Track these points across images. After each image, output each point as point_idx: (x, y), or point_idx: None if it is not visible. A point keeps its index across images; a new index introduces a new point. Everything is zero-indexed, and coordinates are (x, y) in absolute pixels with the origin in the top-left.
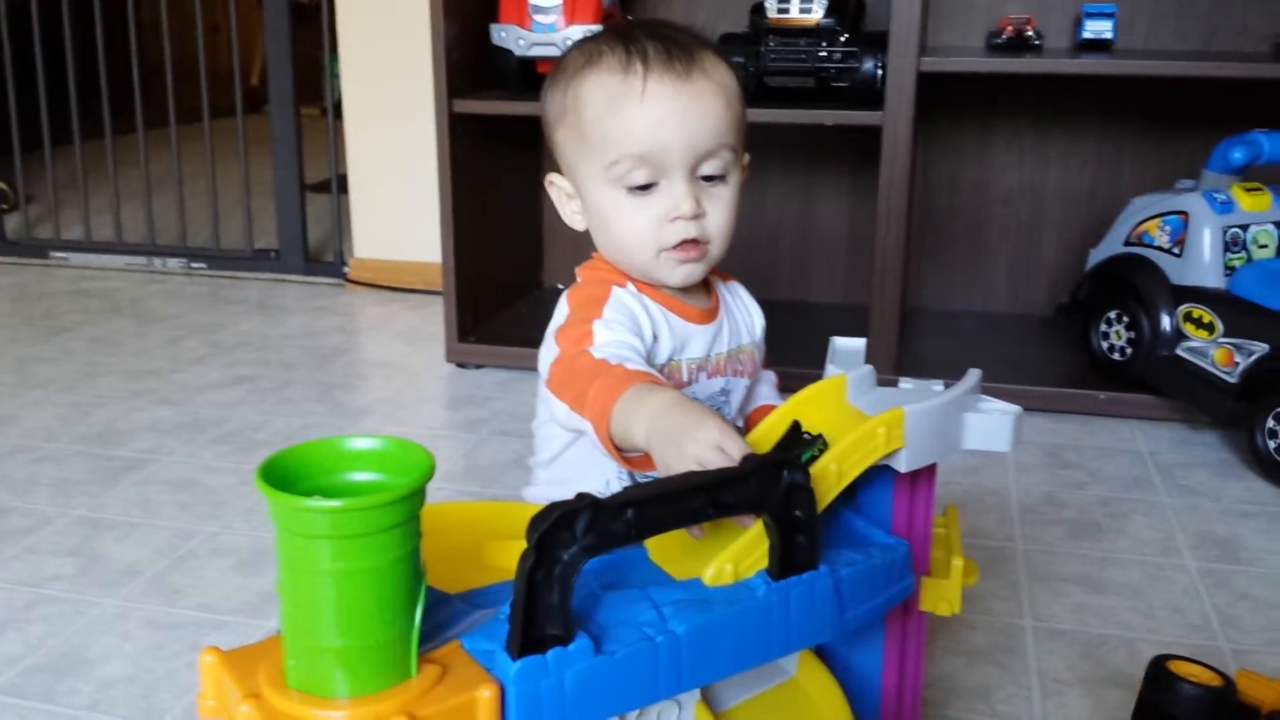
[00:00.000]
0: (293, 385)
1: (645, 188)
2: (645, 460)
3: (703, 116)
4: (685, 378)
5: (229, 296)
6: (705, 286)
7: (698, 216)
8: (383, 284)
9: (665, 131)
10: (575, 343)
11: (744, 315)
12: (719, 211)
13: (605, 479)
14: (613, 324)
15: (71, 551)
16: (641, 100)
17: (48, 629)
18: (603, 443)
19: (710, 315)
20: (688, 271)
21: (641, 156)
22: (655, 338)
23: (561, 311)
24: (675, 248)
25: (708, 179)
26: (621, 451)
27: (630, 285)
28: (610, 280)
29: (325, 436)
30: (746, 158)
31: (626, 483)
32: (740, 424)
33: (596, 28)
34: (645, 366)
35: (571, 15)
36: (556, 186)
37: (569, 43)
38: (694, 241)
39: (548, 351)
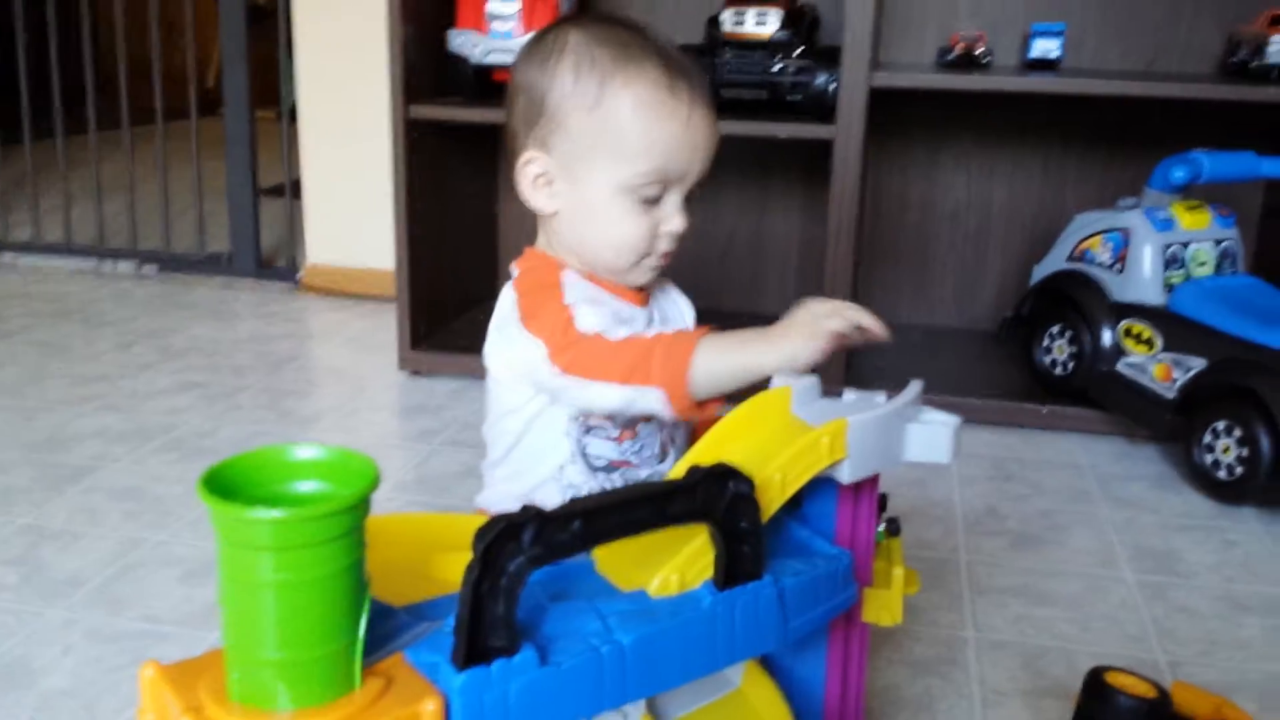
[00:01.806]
0: (243, 392)
1: (656, 199)
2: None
3: (715, 147)
4: None
5: (180, 300)
6: None
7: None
8: (336, 290)
9: (696, 157)
10: (563, 330)
11: (673, 307)
12: (689, 220)
13: (559, 464)
14: (584, 304)
15: (14, 561)
16: (687, 125)
17: None
18: (674, 401)
19: (645, 299)
20: (653, 276)
21: (666, 175)
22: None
23: (509, 302)
24: (659, 257)
25: (688, 195)
26: (698, 403)
27: (569, 271)
28: (553, 266)
29: (273, 444)
30: None
31: (579, 467)
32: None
33: None
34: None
35: (529, 22)
36: (533, 165)
37: None
38: (672, 252)
39: (520, 348)
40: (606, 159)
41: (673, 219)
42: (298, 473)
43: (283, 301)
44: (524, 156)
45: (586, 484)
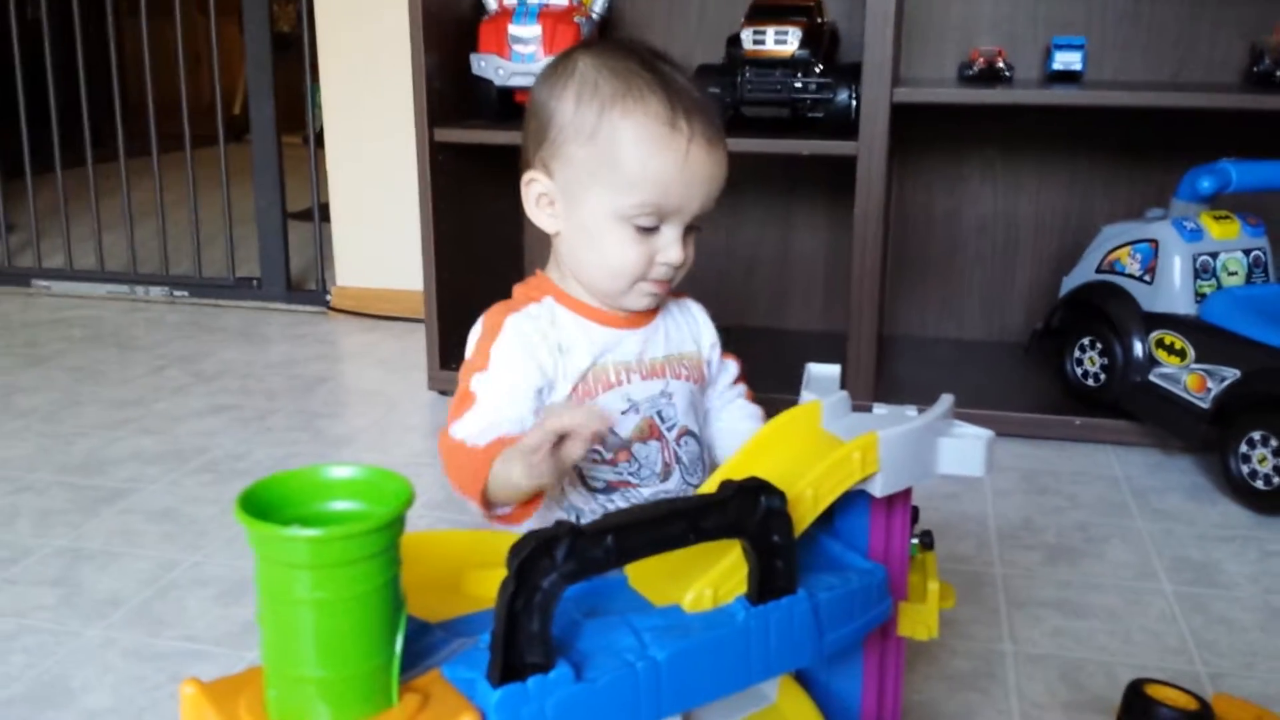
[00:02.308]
0: (275, 414)
1: (653, 229)
2: (515, 515)
3: (718, 183)
4: (613, 379)
5: (211, 325)
6: None
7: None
8: (365, 312)
9: (693, 192)
10: (460, 401)
11: (690, 327)
12: (690, 254)
13: (560, 486)
14: (495, 374)
15: (53, 582)
16: (685, 160)
17: (29, 660)
18: (486, 514)
19: (642, 320)
20: (651, 302)
21: (662, 207)
22: (562, 349)
23: (472, 336)
24: (653, 282)
25: (689, 227)
26: (497, 511)
27: (547, 299)
28: (521, 302)
29: (308, 465)
30: None
31: (578, 490)
32: (692, 428)
33: None
34: (506, 428)
35: (550, 46)
36: (536, 185)
37: None
38: (669, 280)
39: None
40: (603, 187)
41: (669, 250)
42: (333, 492)
43: (313, 324)
44: (527, 176)
45: (588, 506)
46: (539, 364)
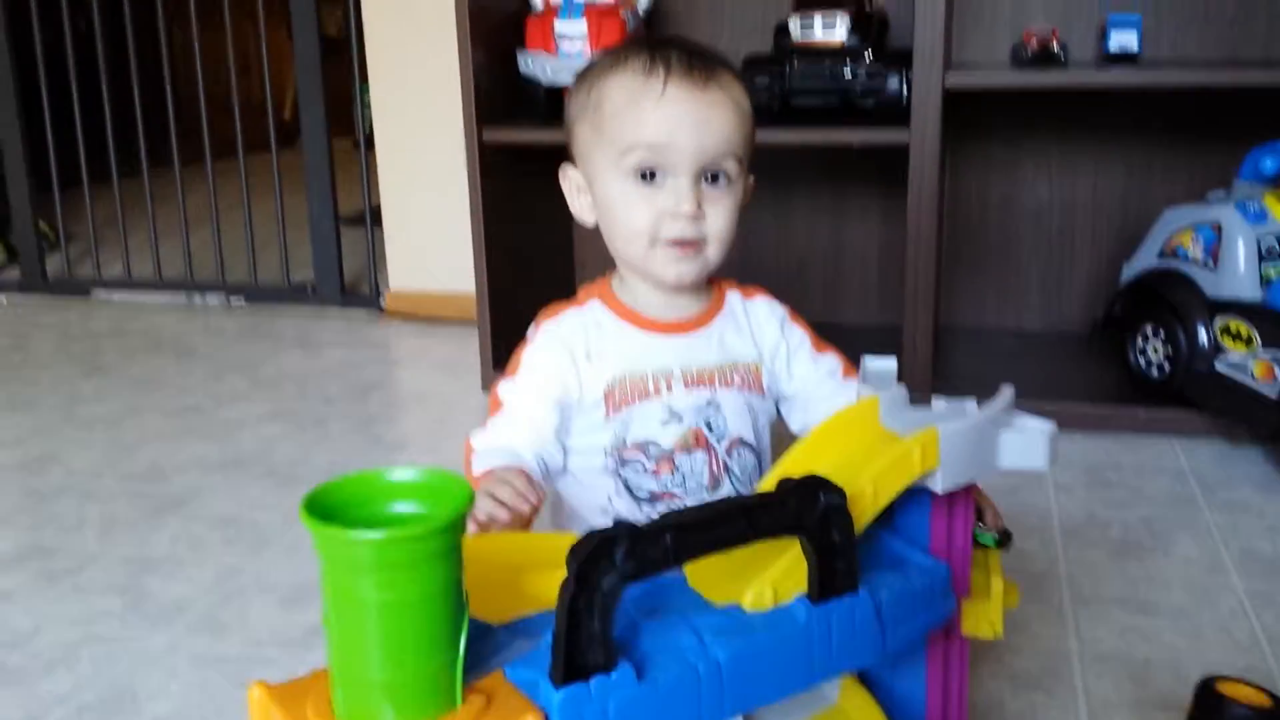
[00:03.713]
0: (332, 419)
1: (651, 177)
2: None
3: (714, 123)
4: (651, 388)
5: (267, 331)
6: (705, 296)
7: (696, 217)
8: (418, 315)
9: (678, 129)
10: (490, 407)
11: (755, 330)
12: (718, 215)
13: (606, 496)
14: (522, 381)
15: (118, 589)
16: (660, 99)
17: (96, 667)
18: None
19: (690, 326)
20: (681, 270)
21: (652, 147)
22: (590, 356)
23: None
24: (672, 244)
25: (712, 183)
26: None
27: (592, 303)
28: (563, 307)
29: (366, 469)
30: (751, 179)
31: (624, 500)
32: (747, 438)
33: None
34: (517, 455)
35: (597, 41)
36: (569, 179)
37: None
38: (691, 243)
39: None
40: (601, 149)
41: (677, 200)
42: (395, 494)
43: (367, 328)
44: (561, 172)
45: (632, 516)
46: (560, 378)
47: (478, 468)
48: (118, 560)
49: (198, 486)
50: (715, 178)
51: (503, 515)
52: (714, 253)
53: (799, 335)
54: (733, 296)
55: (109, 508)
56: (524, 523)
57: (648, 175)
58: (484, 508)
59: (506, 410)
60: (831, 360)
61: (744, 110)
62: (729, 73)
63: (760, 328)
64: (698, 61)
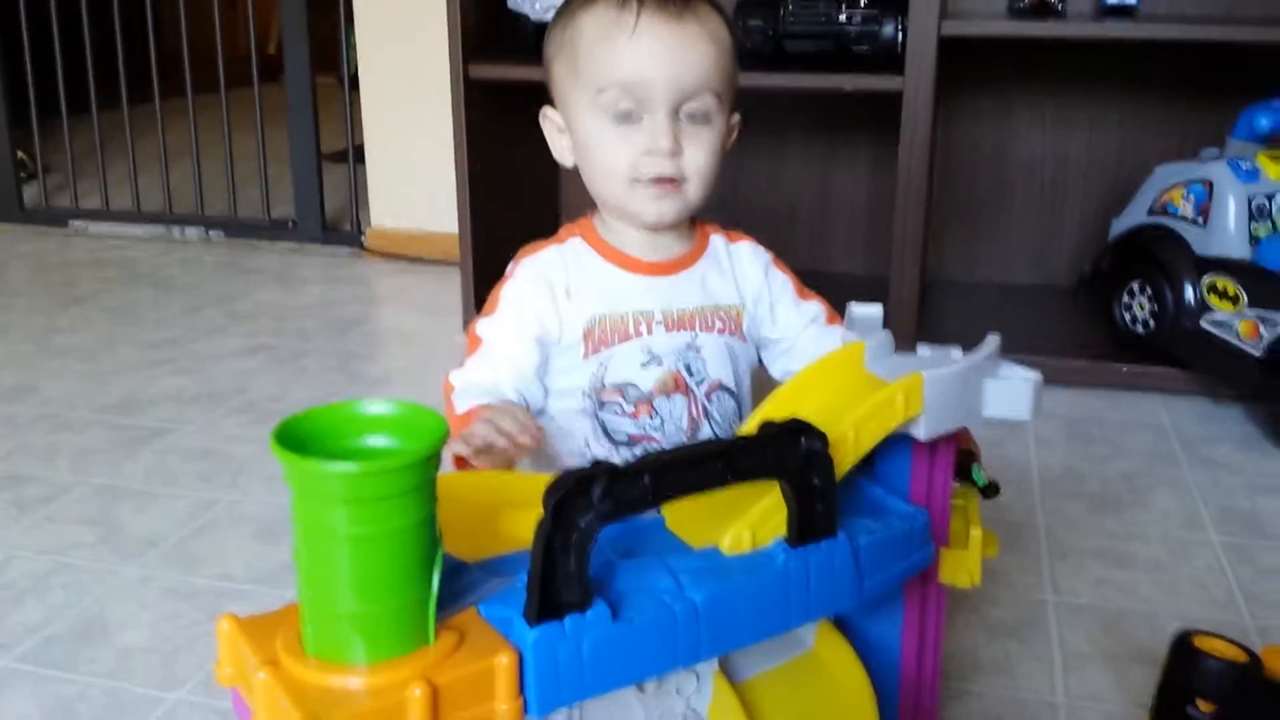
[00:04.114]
0: (311, 355)
1: (628, 116)
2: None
3: (690, 57)
4: (631, 330)
5: (247, 266)
6: (688, 238)
7: (675, 154)
8: (400, 254)
9: (652, 65)
10: (469, 344)
11: (737, 274)
12: (697, 151)
13: (584, 439)
14: (501, 318)
15: (91, 520)
16: (633, 33)
17: (68, 597)
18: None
19: (672, 268)
20: (661, 209)
21: (626, 85)
22: (570, 294)
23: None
24: (651, 182)
25: (691, 120)
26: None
27: (573, 240)
28: (544, 244)
29: (344, 400)
30: (736, 118)
31: (602, 443)
32: (727, 383)
33: None
34: (500, 393)
35: None
36: (549, 120)
37: None
38: (670, 180)
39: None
40: (577, 89)
41: (654, 138)
42: (368, 427)
43: (348, 266)
44: (542, 114)
45: (610, 459)
46: (538, 315)
47: (460, 405)
48: (90, 491)
49: (173, 419)
50: (694, 114)
51: (501, 443)
52: (694, 191)
53: (782, 280)
54: (716, 239)
55: (82, 438)
56: (509, 462)
57: (624, 115)
58: (482, 433)
59: (486, 348)
60: (815, 307)
61: (723, 43)
62: (707, 5)
63: (744, 272)
64: (685, 3)
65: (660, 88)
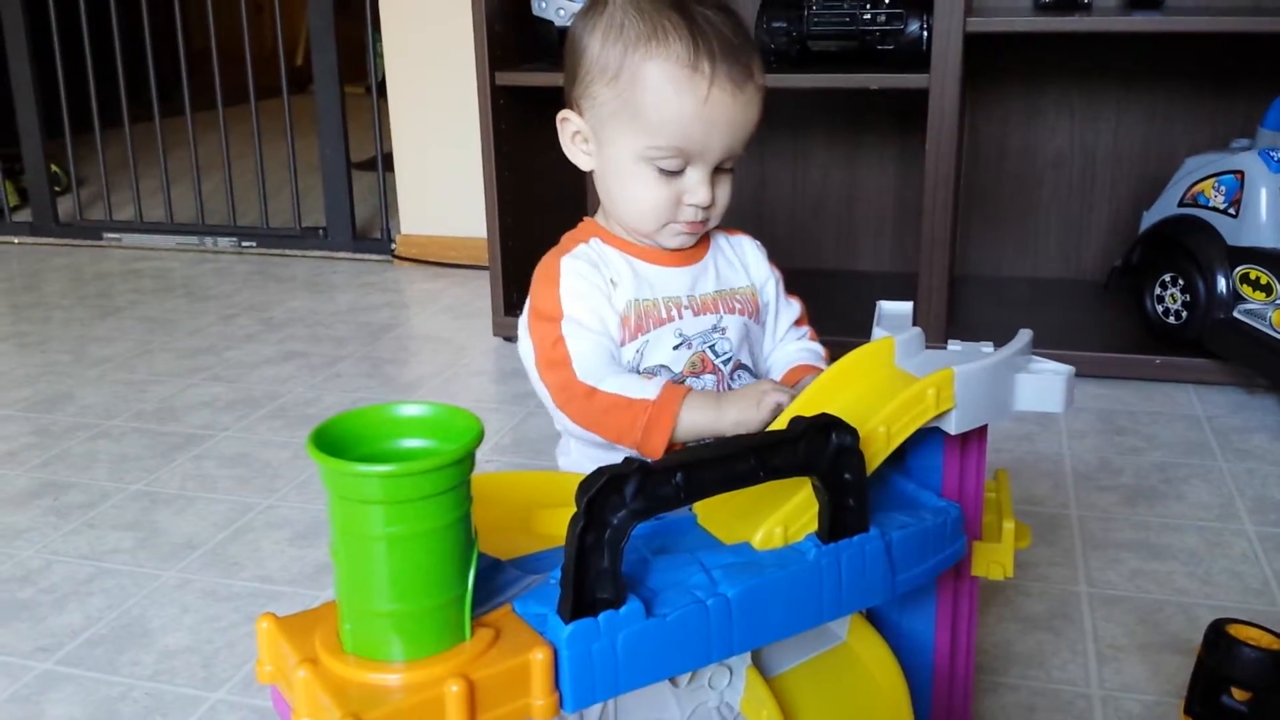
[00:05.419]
0: (343, 361)
1: (673, 169)
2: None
3: (745, 125)
4: (664, 315)
5: (279, 274)
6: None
7: (710, 205)
8: (430, 260)
9: (714, 135)
10: (552, 346)
11: (743, 262)
12: (723, 193)
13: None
14: (577, 319)
15: (131, 526)
16: (705, 104)
17: (109, 601)
18: (647, 456)
19: (690, 258)
20: (683, 242)
21: (684, 150)
22: (614, 283)
23: (533, 288)
24: (684, 223)
25: (721, 168)
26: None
27: (593, 240)
28: (568, 246)
29: (379, 403)
30: None
31: None
32: (745, 361)
33: None
34: (619, 354)
35: None
36: (569, 124)
37: None
38: (701, 222)
39: (523, 344)
40: (626, 128)
41: (695, 192)
42: (403, 429)
43: (378, 272)
44: (561, 114)
45: None
46: (599, 309)
47: (640, 391)
48: (129, 497)
49: (209, 426)
50: (725, 164)
51: (785, 400)
52: (714, 223)
53: (777, 275)
54: (717, 234)
55: (120, 446)
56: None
57: (670, 168)
58: (776, 398)
59: (592, 350)
60: (797, 307)
61: (764, 94)
62: (758, 55)
63: (749, 260)
64: (737, 52)
65: (713, 152)
